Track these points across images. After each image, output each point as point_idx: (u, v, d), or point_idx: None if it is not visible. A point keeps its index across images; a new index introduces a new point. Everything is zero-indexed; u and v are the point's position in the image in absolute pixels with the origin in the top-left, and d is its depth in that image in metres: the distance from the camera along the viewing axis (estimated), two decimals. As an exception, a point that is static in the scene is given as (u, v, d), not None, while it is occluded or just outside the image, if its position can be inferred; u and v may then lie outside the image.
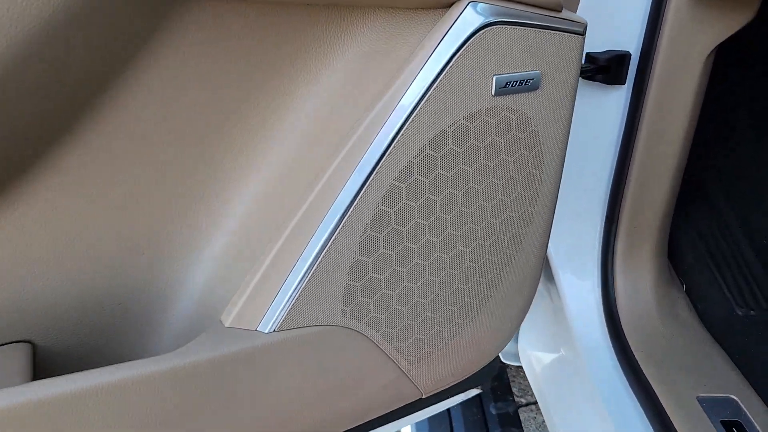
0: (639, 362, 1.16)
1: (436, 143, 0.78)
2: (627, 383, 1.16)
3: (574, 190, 1.28)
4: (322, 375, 0.83)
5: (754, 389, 1.09)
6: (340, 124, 0.78)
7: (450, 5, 0.76)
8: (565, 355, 1.36)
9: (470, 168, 0.82)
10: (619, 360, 1.21)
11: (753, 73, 1.53)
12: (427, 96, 0.75)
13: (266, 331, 0.76)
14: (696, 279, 1.32)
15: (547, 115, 0.86)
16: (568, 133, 0.91)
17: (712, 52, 1.11)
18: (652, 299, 1.25)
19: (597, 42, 1.19)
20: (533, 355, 1.46)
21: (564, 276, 1.30)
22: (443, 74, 0.75)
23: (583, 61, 1.18)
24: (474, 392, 1.43)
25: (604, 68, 1.16)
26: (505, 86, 0.80)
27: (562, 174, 0.93)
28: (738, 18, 1.06)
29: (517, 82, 0.81)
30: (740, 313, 1.26)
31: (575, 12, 1.14)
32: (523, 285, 0.98)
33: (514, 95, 0.82)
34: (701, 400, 1.07)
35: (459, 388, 1.15)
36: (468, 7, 0.75)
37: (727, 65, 1.51)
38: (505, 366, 1.99)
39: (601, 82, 1.19)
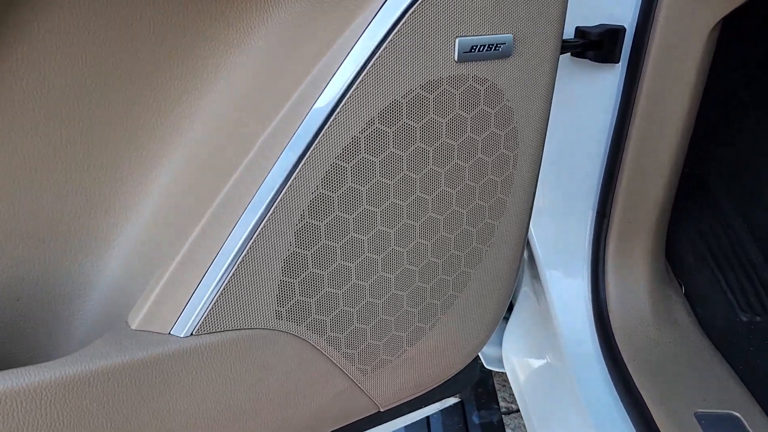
0: (631, 373, 1.04)
1: (387, 116, 0.66)
2: (617, 396, 1.03)
3: (561, 181, 1.16)
4: (255, 385, 0.72)
5: (759, 404, 0.97)
6: (272, 93, 0.66)
7: None
8: (551, 363, 1.24)
9: (429, 147, 0.71)
10: (609, 370, 1.08)
11: (759, 52, 1.41)
12: (373, 59, 0.63)
13: (181, 335, 0.65)
14: (696, 281, 1.19)
15: (523, 88, 0.74)
16: (548, 110, 0.79)
17: (716, 26, 0.98)
18: (647, 302, 1.13)
19: (588, 15, 1.07)
20: (517, 362, 1.34)
21: (551, 276, 1.18)
22: (393, 33, 0.63)
23: (573, 36, 1.06)
24: (453, 401, 1.31)
25: (596, 44, 1.04)
26: (471, 51, 0.68)
27: (541, 158, 0.81)
28: None
29: (484, 46, 0.69)
30: (744, 318, 1.14)
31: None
32: (496, 284, 0.86)
33: (481, 62, 0.70)
34: (699, 417, 0.94)
35: (435, 396, 1.03)
36: None
37: (731, 42, 1.38)
38: (490, 372, 1.87)
39: (592, 59, 1.06)
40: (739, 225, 1.28)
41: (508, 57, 0.71)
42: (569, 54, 1.09)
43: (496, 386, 1.91)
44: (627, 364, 1.05)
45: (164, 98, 0.68)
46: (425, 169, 0.71)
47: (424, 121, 0.69)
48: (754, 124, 1.39)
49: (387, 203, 0.71)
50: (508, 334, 1.41)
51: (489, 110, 0.73)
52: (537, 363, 1.30)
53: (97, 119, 0.66)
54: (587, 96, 1.10)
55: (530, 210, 0.84)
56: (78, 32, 0.62)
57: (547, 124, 0.81)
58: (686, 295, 1.19)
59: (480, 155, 0.75)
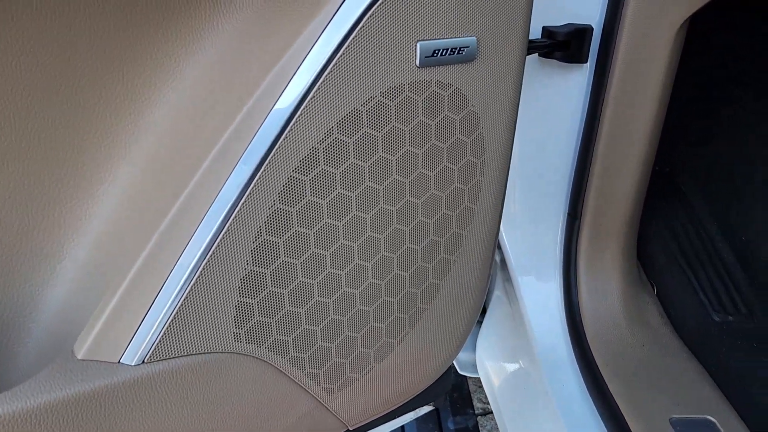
0: (605, 379, 1.02)
1: (347, 125, 0.63)
2: (592, 403, 1.02)
3: (531, 183, 1.14)
4: (214, 412, 0.68)
5: (733, 407, 0.96)
6: (224, 105, 0.62)
7: None
8: (524, 369, 1.22)
9: (392, 156, 0.67)
10: (583, 376, 1.07)
11: (727, 51, 1.41)
12: (330, 66, 0.60)
13: (132, 364, 0.61)
14: (668, 282, 1.18)
15: (488, 92, 0.72)
16: (515, 113, 0.76)
17: (683, 24, 0.97)
18: (620, 305, 1.11)
19: (555, 15, 1.04)
20: (491, 367, 1.32)
21: (523, 281, 1.16)
22: (351, 38, 0.60)
23: (540, 36, 1.04)
24: (427, 409, 1.29)
25: (564, 44, 1.02)
26: (433, 55, 0.65)
27: (509, 164, 0.79)
28: None
29: (447, 50, 0.66)
30: (717, 319, 1.13)
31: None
32: (466, 295, 0.83)
33: (444, 67, 0.67)
34: (675, 423, 0.93)
35: (408, 406, 1.00)
36: None
37: (699, 41, 1.38)
38: (464, 377, 1.85)
39: (560, 60, 1.04)
40: (711, 224, 1.28)
41: (473, 61, 0.69)
42: (537, 54, 1.07)
43: (472, 387, 1.89)
44: (601, 370, 1.03)
45: (111, 112, 0.64)
46: (388, 179, 0.68)
47: (386, 129, 0.66)
48: (724, 123, 1.39)
49: (349, 216, 0.67)
50: (481, 339, 1.39)
51: (454, 116, 0.70)
52: (511, 368, 1.27)
53: (39, 134, 0.62)
54: (555, 97, 1.08)
55: (499, 217, 0.82)
56: (13, 45, 0.57)
57: (514, 129, 0.78)
58: (658, 295, 1.17)
59: (446, 163, 0.72)
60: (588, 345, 1.08)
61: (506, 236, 1.20)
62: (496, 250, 1.31)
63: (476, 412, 1.79)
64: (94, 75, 0.62)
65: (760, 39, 1.40)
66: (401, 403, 0.87)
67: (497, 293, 1.41)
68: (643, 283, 1.18)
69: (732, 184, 1.32)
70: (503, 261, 1.32)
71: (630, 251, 1.14)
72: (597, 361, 1.05)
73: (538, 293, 1.15)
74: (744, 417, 0.95)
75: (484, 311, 1.48)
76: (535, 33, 1.05)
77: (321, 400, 0.76)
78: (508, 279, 1.30)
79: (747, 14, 1.38)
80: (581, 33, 1.01)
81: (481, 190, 0.77)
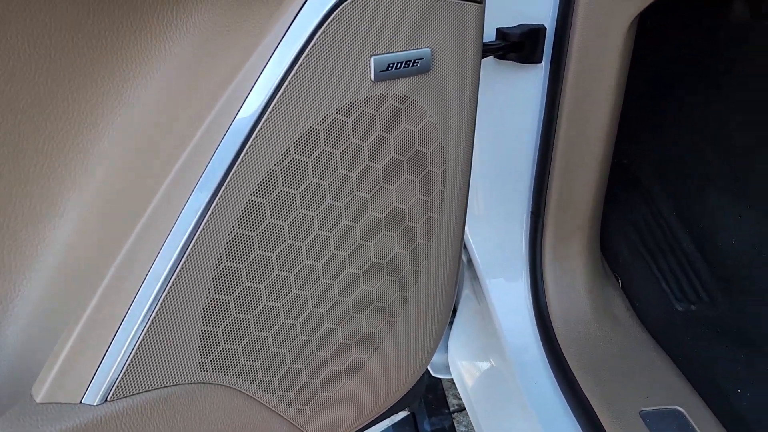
0: (575, 375, 1.03)
1: (304, 145, 0.62)
2: (564, 400, 1.03)
3: (494, 184, 1.14)
4: None
5: (700, 395, 0.98)
6: (176, 131, 0.61)
7: None
8: (496, 368, 1.22)
9: (352, 173, 0.67)
10: (554, 373, 1.08)
11: (681, 45, 1.43)
12: (284, 86, 0.58)
13: (94, 403, 0.59)
14: (632, 274, 1.20)
15: (445, 102, 0.71)
16: (474, 120, 0.76)
17: (633, 21, 0.98)
18: (586, 300, 1.13)
19: (509, 16, 1.04)
20: (463, 367, 1.33)
21: (490, 282, 1.16)
22: (303, 56, 0.59)
23: (494, 38, 1.04)
24: (402, 414, 1.28)
25: (518, 45, 1.02)
26: (387, 69, 0.64)
27: (470, 171, 0.79)
28: None
29: (402, 63, 0.65)
30: (680, 308, 1.15)
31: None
32: (433, 305, 0.83)
33: (400, 80, 0.66)
34: (645, 416, 0.95)
35: (382, 416, 0.99)
36: None
37: (653, 36, 1.40)
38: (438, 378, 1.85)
39: (515, 61, 1.04)
40: (670, 214, 1.30)
41: (428, 72, 0.68)
42: (492, 56, 1.07)
43: (446, 385, 1.89)
44: (571, 367, 1.04)
45: (56, 142, 0.61)
46: (350, 196, 0.67)
47: (345, 146, 0.65)
48: (680, 116, 1.41)
49: (312, 236, 0.66)
50: (452, 340, 1.39)
51: (412, 129, 0.69)
52: (483, 368, 1.28)
53: None
54: (513, 97, 1.09)
55: (463, 224, 0.82)
56: None
57: (473, 136, 0.78)
58: (623, 288, 1.19)
59: (406, 176, 0.71)
60: (558, 342, 1.09)
61: (472, 238, 1.20)
62: (463, 251, 1.31)
63: (452, 409, 1.80)
64: (37, 104, 0.59)
65: (706, 33, 1.43)
66: (376, 416, 0.87)
67: (466, 292, 1.41)
68: (608, 276, 1.20)
69: (687, 173, 1.35)
70: (470, 261, 1.32)
71: (594, 246, 1.15)
72: (567, 358, 1.07)
73: (507, 294, 1.16)
74: (710, 404, 0.97)
75: (454, 311, 1.48)
76: (490, 35, 1.05)
77: (294, 422, 0.75)
78: (475, 277, 1.31)
79: (695, 11, 1.41)
80: (534, 33, 1.02)
81: (444, 199, 0.76)
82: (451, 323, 1.45)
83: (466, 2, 0.69)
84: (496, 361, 1.23)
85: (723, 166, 1.38)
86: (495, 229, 1.16)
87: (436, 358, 1.45)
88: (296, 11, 0.59)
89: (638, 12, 0.97)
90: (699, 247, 1.25)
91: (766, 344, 1.07)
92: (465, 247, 1.29)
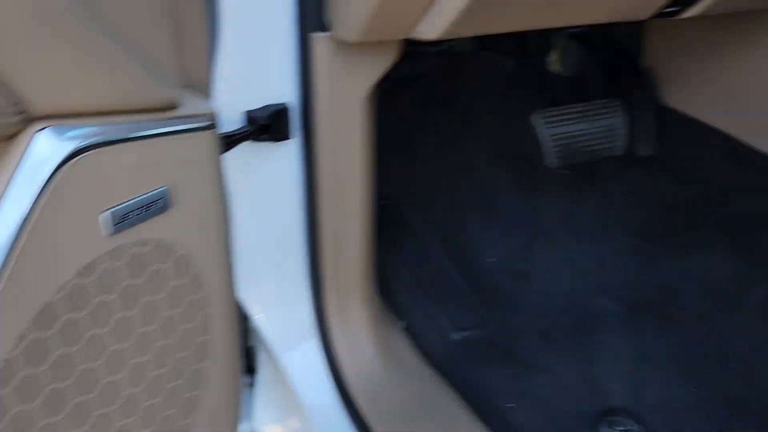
0: (370, 425, 1.09)
1: (43, 321, 0.57)
2: (368, 455, 1.08)
3: (270, 260, 1.16)
4: None
5: (485, 422, 1.09)
6: None
7: (11, 137, 0.55)
8: (300, 427, 1.25)
9: (105, 329, 0.63)
10: (353, 426, 1.13)
11: (419, 88, 1.56)
12: (7, 273, 0.54)
13: None
14: (412, 314, 1.30)
15: (194, 232, 0.71)
16: (228, 238, 0.76)
17: (369, 91, 1.06)
18: (373, 349, 1.19)
19: (255, 98, 1.06)
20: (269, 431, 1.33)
21: (285, 357, 1.17)
22: (25, 236, 0.54)
23: (244, 122, 1.04)
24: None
25: (266, 127, 1.04)
26: (124, 219, 0.62)
27: (233, 280, 0.79)
28: (385, 60, 1.02)
29: (139, 209, 0.63)
30: (457, 337, 1.27)
31: (214, 73, 0.99)
32: (223, 417, 0.82)
33: (140, 225, 0.64)
34: (438, 456, 1.03)
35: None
36: (39, 136, 0.55)
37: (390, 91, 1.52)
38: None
39: (268, 141, 1.06)
40: (438, 249, 1.42)
41: (170, 209, 0.67)
42: (249, 139, 1.08)
43: None
44: (369, 420, 1.10)
45: None
46: (108, 351, 0.64)
47: (92, 307, 0.61)
48: (430, 154, 1.54)
49: (70, 405, 0.62)
50: (256, 404, 1.39)
51: (162, 266, 0.68)
52: (290, 429, 1.30)
53: None
54: (274, 174, 1.11)
55: (237, 333, 0.82)
56: None
57: (231, 246, 0.79)
58: (408, 329, 1.28)
59: (166, 311, 0.70)
60: (353, 397, 1.14)
61: (257, 315, 1.20)
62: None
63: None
64: None
65: (440, 71, 1.58)
66: None
67: (263, 355, 1.41)
68: (392, 321, 1.28)
69: (447, 206, 1.48)
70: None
71: (372, 298, 1.22)
72: (365, 411, 1.12)
73: (300, 359, 1.19)
74: (491, 426, 1.09)
75: (253, 370, 1.48)
76: (240, 119, 1.05)
77: None
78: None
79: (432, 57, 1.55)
80: (279, 113, 1.05)
81: (211, 319, 0.76)
82: (251, 384, 1.44)
83: (199, 132, 0.69)
84: (300, 423, 1.25)
85: (470, 189, 1.55)
86: (279, 303, 1.17)
87: (241, 427, 1.43)
88: (6, 182, 0.54)
89: (372, 84, 1.05)
90: (463, 273, 1.38)
91: (528, 357, 1.22)
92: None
